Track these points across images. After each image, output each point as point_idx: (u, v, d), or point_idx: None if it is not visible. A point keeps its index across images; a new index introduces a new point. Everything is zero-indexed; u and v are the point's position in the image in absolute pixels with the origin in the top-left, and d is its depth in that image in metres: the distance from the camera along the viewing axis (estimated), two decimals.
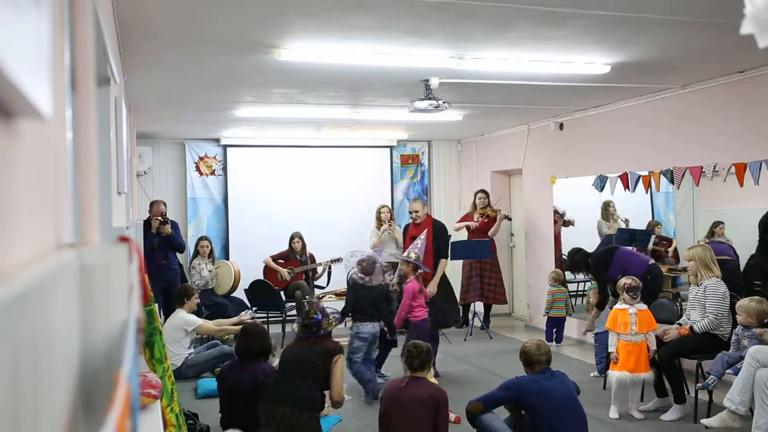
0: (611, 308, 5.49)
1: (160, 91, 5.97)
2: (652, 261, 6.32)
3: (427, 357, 4.03)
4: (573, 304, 8.47)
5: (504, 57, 4.82)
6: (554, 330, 7.65)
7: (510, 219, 8.78)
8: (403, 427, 3.81)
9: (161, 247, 7.61)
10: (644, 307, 5.22)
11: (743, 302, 4.79)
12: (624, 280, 5.32)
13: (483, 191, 8.76)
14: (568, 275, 8.34)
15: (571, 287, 8.51)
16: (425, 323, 5.95)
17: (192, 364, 6.29)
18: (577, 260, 6.91)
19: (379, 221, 8.63)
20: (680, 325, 5.20)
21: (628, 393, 5.16)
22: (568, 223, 8.28)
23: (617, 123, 7.11)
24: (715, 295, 5.00)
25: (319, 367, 4.17)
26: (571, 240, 8.21)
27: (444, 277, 6.80)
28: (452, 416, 4.88)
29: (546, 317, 7.76)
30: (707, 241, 6.46)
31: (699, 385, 4.81)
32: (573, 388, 3.91)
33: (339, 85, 5.81)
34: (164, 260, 7.63)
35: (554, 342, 7.51)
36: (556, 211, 8.30)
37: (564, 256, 8.16)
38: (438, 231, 6.77)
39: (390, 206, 9.47)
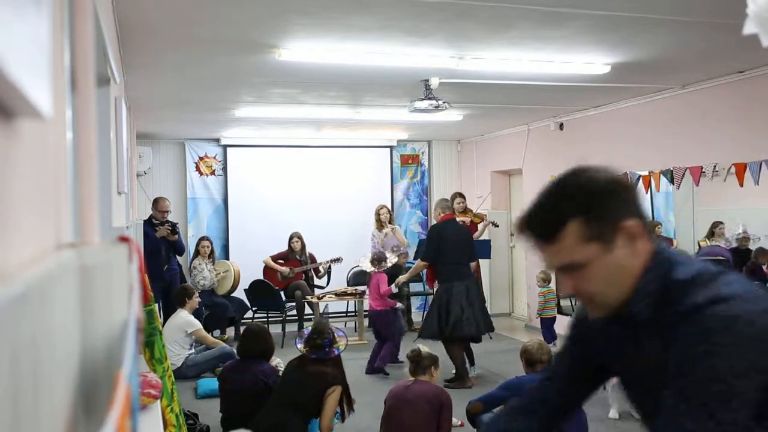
0: None
1: (160, 91, 5.97)
2: None
3: (428, 362, 4.09)
4: (573, 303, 8.48)
5: (504, 57, 4.82)
6: (548, 330, 7.66)
7: (497, 226, 8.73)
8: (407, 422, 3.84)
9: (166, 252, 7.58)
10: None
11: None
12: None
13: (460, 194, 8.59)
14: None
15: None
16: (381, 314, 6.56)
17: (192, 364, 6.29)
18: None
19: (379, 222, 8.64)
20: None
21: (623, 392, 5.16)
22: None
23: (617, 123, 7.11)
24: None
25: (316, 398, 4.05)
26: None
27: (438, 285, 6.49)
28: (457, 420, 4.90)
29: (538, 318, 7.78)
30: (707, 243, 6.46)
31: None
32: None
33: (339, 85, 5.81)
34: (167, 265, 7.60)
35: (553, 343, 7.51)
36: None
37: None
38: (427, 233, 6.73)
39: (390, 206, 9.48)
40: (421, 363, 4.08)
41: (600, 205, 1.24)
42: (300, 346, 4.27)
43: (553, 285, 7.75)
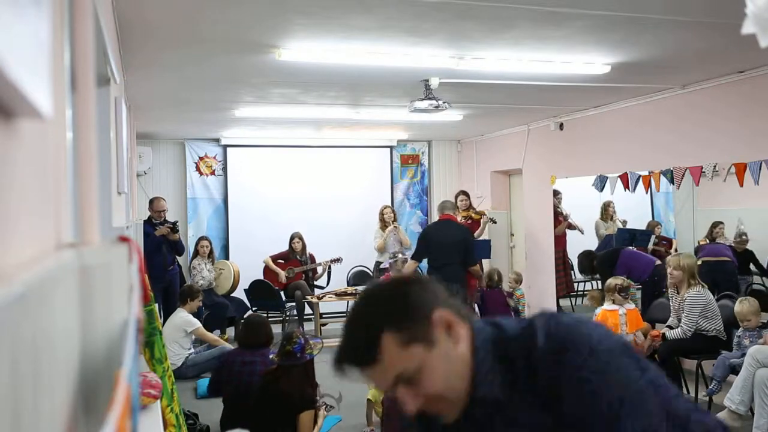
0: None
1: (160, 91, 5.97)
2: (658, 262, 6.34)
3: None
4: (573, 304, 8.49)
5: (504, 57, 4.82)
6: None
7: (495, 222, 8.72)
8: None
9: (168, 252, 7.57)
10: (632, 306, 5.26)
11: (737, 303, 4.85)
12: (613, 281, 5.34)
13: (464, 192, 8.63)
14: (578, 276, 8.39)
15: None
16: None
17: (192, 364, 6.29)
18: (585, 263, 6.97)
19: (383, 222, 8.61)
20: (670, 328, 5.21)
21: None
22: (573, 227, 8.27)
23: (617, 123, 7.11)
24: (694, 308, 5.00)
25: (288, 422, 4.03)
26: (573, 240, 8.21)
27: None
28: None
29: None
30: (707, 241, 6.46)
31: (703, 393, 4.83)
32: None
33: (339, 85, 5.81)
34: (172, 265, 7.59)
35: None
36: (560, 213, 8.29)
37: (569, 259, 8.20)
38: None
39: (391, 207, 9.49)
40: None
41: (405, 308, 1.22)
42: (272, 356, 4.31)
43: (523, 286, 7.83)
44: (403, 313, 1.21)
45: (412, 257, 6.69)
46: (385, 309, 1.22)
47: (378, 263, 8.65)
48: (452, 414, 1.27)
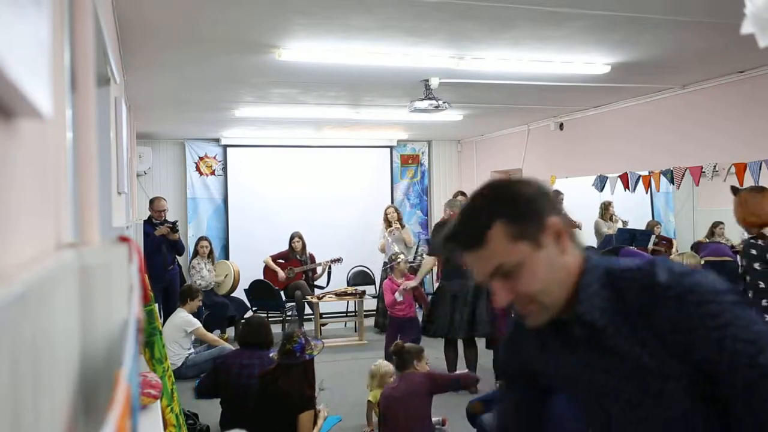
0: None
1: (160, 91, 5.97)
2: None
3: (409, 356, 4.27)
4: None
5: (504, 57, 4.82)
6: None
7: None
8: (402, 423, 3.89)
9: (168, 252, 7.56)
10: None
11: None
12: None
13: (462, 193, 8.52)
14: None
15: None
16: (405, 321, 6.23)
17: (192, 364, 6.29)
18: None
19: (387, 222, 8.57)
20: None
21: None
22: (575, 225, 8.25)
23: (617, 123, 7.11)
24: None
25: (288, 422, 4.04)
26: None
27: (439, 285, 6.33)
28: (439, 418, 4.88)
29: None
30: (707, 240, 6.46)
31: None
32: None
33: (339, 85, 5.81)
34: (172, 265, 7.58)
35: None
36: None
37: None
38: None
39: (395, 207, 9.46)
40: (403, 357, 4.27)
41: (522, 205, 1.25)
42: (272, 355, 4.34)
43: None
44: (520, 209, 1.24)
45: (430, 253, 6.50)
46: (504, 201, 1.26)
47: (385, 263, 8.61)
48: (539, 319, 1.30)
